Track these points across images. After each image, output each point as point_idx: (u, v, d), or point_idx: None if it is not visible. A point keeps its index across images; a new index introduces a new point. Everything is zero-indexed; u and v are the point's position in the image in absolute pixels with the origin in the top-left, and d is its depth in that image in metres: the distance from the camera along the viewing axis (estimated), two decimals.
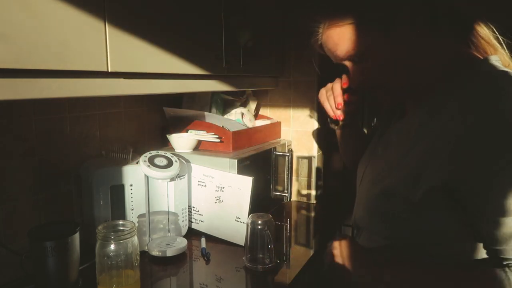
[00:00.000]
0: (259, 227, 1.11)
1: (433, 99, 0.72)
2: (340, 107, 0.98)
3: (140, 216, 1.19)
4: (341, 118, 1.00)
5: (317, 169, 1.72)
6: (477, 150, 0.62)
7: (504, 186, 0.61)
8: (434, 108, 0.71)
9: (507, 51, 0.73)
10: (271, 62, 1.59)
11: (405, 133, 0.77)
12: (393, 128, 0.84)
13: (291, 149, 1.68)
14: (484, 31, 0.72)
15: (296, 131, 1.75)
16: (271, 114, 1.79)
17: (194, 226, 1.36)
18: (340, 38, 0.74)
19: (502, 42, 0.73)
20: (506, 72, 0.67)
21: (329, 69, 1.71)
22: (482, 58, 0.72)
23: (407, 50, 0.72)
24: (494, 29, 0.73)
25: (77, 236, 0.97)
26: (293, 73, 1.70)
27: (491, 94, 0.63)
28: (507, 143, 0.60)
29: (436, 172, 0.66)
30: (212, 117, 1.47)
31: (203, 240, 1.28)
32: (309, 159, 1.73)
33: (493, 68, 0.69)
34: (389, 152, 0.81)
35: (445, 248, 0.71)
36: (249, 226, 1.12)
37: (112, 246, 0.90)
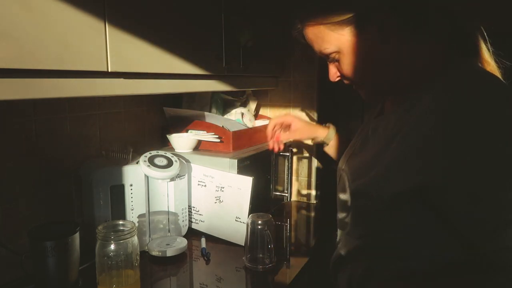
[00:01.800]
0: (259, 227, 1.11)
1: (410, 98, 0.72)
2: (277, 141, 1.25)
3: (140, 216, 1.19)
4: (276, 151, 1.26)
5: (317, 169, 1.72)
6: (444, 147, 0.62)
7: (471, 181, 0.60)
8: (410, 106, 0.71)
9: (489, 50, 0.73)
10: (271, 62, 1.59)
11: (381, 131, 0.78)
12: (370, 126, 0.84)
13: (291, 149, 1.68)
14: (466, 30, 0.73)
15: None
16: (271, 114, 1.79)
17: (194, 226, 1.36)
18: (313, 36, 0.78)
19: (486, 40, 0.73)
20: (482, 73, 0.68)
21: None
22: (460, 58, 0.71)
23: (380, 50, 0.73)
24: (476, 28, 0.73)
25: (77, 236, 0.97)
26: (293, 73, 1.70)
27: (462, 94, 0.63)
28: (473, 141, 0.60)
29: (408, 170, 0.66)
30: (212, 117, 1.47)
31: (203, 240, 1.28)
32: (309, 159, 1.73)
33: (470, 68, 0.69)
34: (365, 150, 0.82)
35: (417, 250, 0.70)
36: (249, 226, 1.12)
37: (112, 246, 0.90)
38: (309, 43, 0.80)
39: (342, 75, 0.80)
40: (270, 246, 1.11)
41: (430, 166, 0.63)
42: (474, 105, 0.61)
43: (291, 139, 1.14)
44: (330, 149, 1.22)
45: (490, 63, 0.73)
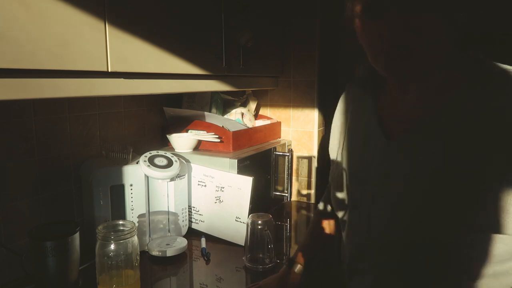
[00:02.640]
0: (259, 227, 1.11)
1: (444, 109, 0.65)
2: None
3: (140, 216, 1.19)
4: None
5: (317, 169, 1.72)
6: None
7: None
8: (446, 119, 0.64)
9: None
10: (271, 62, 1.59)
11: (415, 151, 0.67)
12: (390, 146, 0.71)
13: (291, 149, 1.68)
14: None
15: (296, 131, 1.75)
16: (271, 114, 1.79)
17: (194, 226, 1.36)
18: None
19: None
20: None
21: (329, 69, 1.72)
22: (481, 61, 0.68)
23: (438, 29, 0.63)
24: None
25: (77, 236, 0.97)
26: (293, 73, 1.70)
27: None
28: None
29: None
30: (212, 117, 1.47)
31: (203, 240, 1.28)
32: (309, 159, 1.73)
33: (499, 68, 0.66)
34: (407, 180, 0.68)
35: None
36: (249, 226, 1.12)
37: (112, 246, 0.90)
38: None
39: (388, 35, 0.62)
40: (270, 246, 1.11)
41: None
42: None
43: None
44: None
45: None
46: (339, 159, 0.85)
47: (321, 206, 1.03)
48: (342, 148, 0.85)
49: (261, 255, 1.13)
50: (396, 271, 0.71)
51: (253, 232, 1.12)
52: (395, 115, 0.74)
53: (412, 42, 0.62)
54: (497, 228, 0.61)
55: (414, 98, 0.70)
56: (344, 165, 0.83)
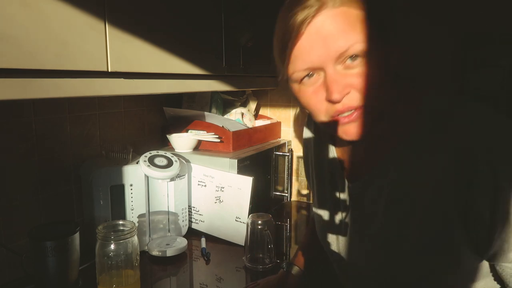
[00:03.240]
0: (259, 227, 1.11)
1: (403, 149, 0.65)
2: None
3: (140, 216, 1.19)
4: None
5: None
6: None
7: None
8: (408, 159, 0.64)
9: None
10: (271, 62, 1.59)
11: (380, 193, 0.67)
12: (354, 189, 0.72)
13: (291, 149, 1.68)
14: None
15: (296, 131, 1.75)
16: (271, 114, 1.79)
17: (194, 226, 1.36)
18: (337, 26, 0.59)
19: None
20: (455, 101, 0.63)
21: None
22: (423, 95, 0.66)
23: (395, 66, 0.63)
24: None
25: (77, 236, 0.97)
26: None
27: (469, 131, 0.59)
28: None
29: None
30: (212, 117, 1.47)
31: (203, 240, 1.28)
32: None
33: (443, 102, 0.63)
34: (379, 224, 0.68)
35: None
36: (249, 226, 1.12)
37: (112, 246, 0.90)
38: (324, 30, 0.57)
39: (352, 93, 0.60)
40: (270, 246, 1.11)
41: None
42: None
43: None
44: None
45: None
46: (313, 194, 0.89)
47: None
48: (313, 186, 0.88)
49: (261, 255, 1.13)
50: None
51: (253, 232, 1.12)
52: (353, 159, 0.74)
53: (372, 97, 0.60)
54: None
55: (364, 147, 0.71)
56: (316, 204, 0.86)
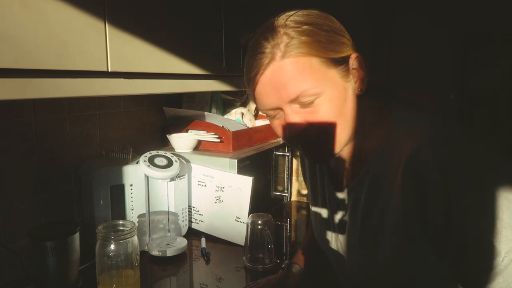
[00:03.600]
0: (259, 227, 1.11)
1: (368, 168, 0.69)
2: None
3: (140, 216, 1.19)
4: None
5: None
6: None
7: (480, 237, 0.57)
8: (374, 177, 0.68)
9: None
10: None
11: (358, 204, 0.71)
12: (338, 199, 0.77)
13: (291, 149, 1.68)
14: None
15: None
16: None
17: (194, 226, 1.36)
18: (294, 71, 0.63)
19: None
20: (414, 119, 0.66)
21: None
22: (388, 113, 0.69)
23: (353, 100, 0.66)
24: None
25: (77, 236, 0.97)
26: None
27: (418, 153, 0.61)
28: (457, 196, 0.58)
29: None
30: (212, 117, 1.47)
31: (203, 240, 1.28)
32: None
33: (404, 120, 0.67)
34: (356, 227, 0.72)
35: None
36: (249, 226, 1.12)
37: (112, 246, 0.90)
38: (274, 80, 0.63)
39: (309, 127, 0.65)
40: (270, 246, 1.11)
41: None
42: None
43: None
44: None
45: None
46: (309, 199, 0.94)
47: None
48: (308, 186, 0.93)
49: (261, 255, 1.13)
50: None
51: (253, 232, 1.12)
52: (339, 169, 0.78)
53: (330, 131, 0.65)
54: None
55: (345, 160, 0.75)
56: (312, 203, 0.90)
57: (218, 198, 1.30)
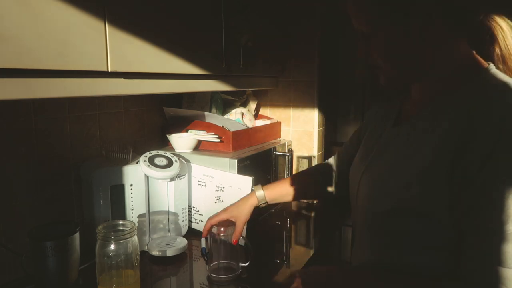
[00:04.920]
0: (221, 236, 1.07)
1: (435, 107, 0.71)
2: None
3: (140, 216, 1.19)
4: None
5: None
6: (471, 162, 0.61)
7: (497, 199, 0.59)
8: (435, 116, 0.70)
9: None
10: (271, 62, 1.59)
11: (404, 139, 0.75)
12: (390, 133, 0.80)
13: (291, 149, 1.68)
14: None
15: (296, 131, 1.75)
16: (271, 114, 1.79)
17: (194, 226, 1.36)
18: (356, 8, 0.71)
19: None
20: (506, 84, 0.67)
21: (329, 69, 1.72)
22: (485, 66, 0.70)
23: (418, 39, 0.68)
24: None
25: (77, 236, 0.97)
26: (293, 73, 1.70)
27: (490, 107, 0.63)
28: (500, 154, 0.59)
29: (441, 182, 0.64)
30: (212, 117, 1.47)
31: (203, 240, 1.27)
32: (309, 159, 1.73)
33: (495, 79, 0.68)
34: (388, 160, 0.77)
35: (434, 267, 0.68)
36: (210, 238, 1.08)
37: (112, 246, 0.90)
38: (350, 13, 0.73)
39: (373, 54, 0.72)
40: (238, 251, 1.07)
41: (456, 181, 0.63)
42: (502, 118, 0.61)
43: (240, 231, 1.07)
44: (276, 200, 1.14)
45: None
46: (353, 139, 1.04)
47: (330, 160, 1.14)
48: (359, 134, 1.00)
49: (226, 262, 1.08)
50: (371, 244, 0.79)
51: (215, 241, 1.08)
52: (409, 110, 0.82)
53: (386, 63, 0.72)
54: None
55: (417, 95, 0.79)
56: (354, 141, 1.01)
57: (218, 198, 1.30)
